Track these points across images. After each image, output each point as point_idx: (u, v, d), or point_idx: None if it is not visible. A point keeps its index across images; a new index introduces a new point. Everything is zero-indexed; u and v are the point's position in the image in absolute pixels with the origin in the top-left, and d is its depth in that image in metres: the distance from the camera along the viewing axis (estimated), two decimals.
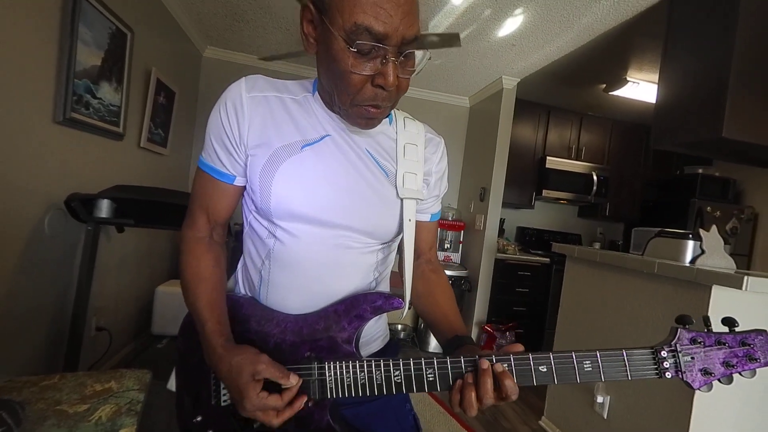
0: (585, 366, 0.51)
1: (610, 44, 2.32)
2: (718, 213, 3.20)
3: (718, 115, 1.42)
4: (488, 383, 0.50)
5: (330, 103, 0.61)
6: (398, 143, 0.66)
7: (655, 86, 1.76)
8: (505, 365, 0.51)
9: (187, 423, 0.66)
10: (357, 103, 0.55)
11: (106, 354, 1.93)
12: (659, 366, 0.50)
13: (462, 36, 2.36)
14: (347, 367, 0.56)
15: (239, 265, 0.71)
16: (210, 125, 0.62)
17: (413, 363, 0.54)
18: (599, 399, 1.66)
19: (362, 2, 0.48)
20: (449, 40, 2.08)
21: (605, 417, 1.64)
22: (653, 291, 1.50)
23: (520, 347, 0.53)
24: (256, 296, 0.66)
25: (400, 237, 0.68)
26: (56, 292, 1.60)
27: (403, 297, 0.64)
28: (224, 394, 0.62)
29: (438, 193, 0.73)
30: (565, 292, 2.02)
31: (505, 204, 3.15)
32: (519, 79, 2.93)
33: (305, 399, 0.55)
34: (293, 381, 0.53)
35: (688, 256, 1.55)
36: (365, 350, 0.69)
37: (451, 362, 0.54)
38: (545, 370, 0.52)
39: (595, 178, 3.40)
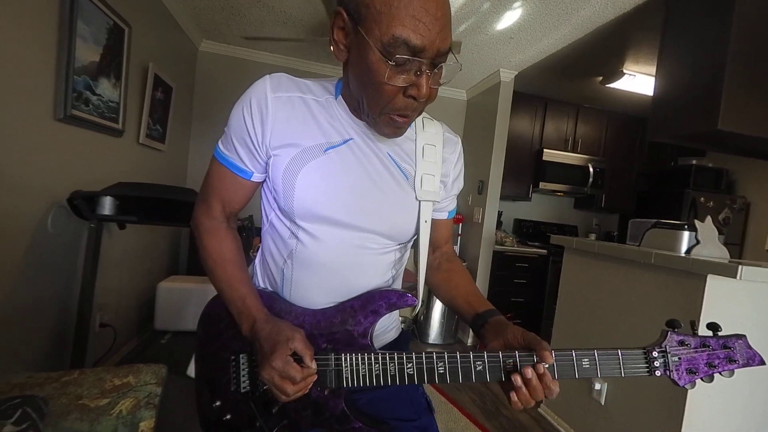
0: (583, 363, 0.55)
1: (607, 37, 2.33)
2: (711, 203, 3.25)
3: (714, 108, 1.45)
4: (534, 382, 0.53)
5: (356, 109, 0.62)
6: (417, 144, 0.67)
7: (652, 78, 1.78)
8: (510, 361, 0.56)
9: (206, 408, 0.68)
10: (386, 112, 0.56)
11: (111, 350, 1.94)
12: (650, 365, 0.55)
13: (460, 29, 2.36)
14: (362, 358, 0.59)
15: (257, 260, 0.73)
16: (232, 122, 0.62)
17: (425, 356, 0.58)
18: (597, 386, 1.71)
19: (401, 15, 0.48)
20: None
21: (603, 403, 1.69)
22: (650, 281, 1.53)
23: (548, 357, 0.55)
24: (278, 292, 0.67)
25: (415, 237, 0.69)
26: (60, 289, 1.61)
27: (416, 294, 0.66)
28: (244, 381, 0.64)
29: (455, 192, 0.75)
30: (563, 283, 2.06)
31: (503, 197, 3.18)
32: (516, 72, 2.94)
33: (314, 379, 0.56)
34: (313, 366, 0.56)
35: (684, 247, 1.59)
36: (381, 340, 0.72)
37: (460, 356, 0.57)
38: (546, 366, 0.55)
39: (591, 169, 3.43)
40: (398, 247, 0.68)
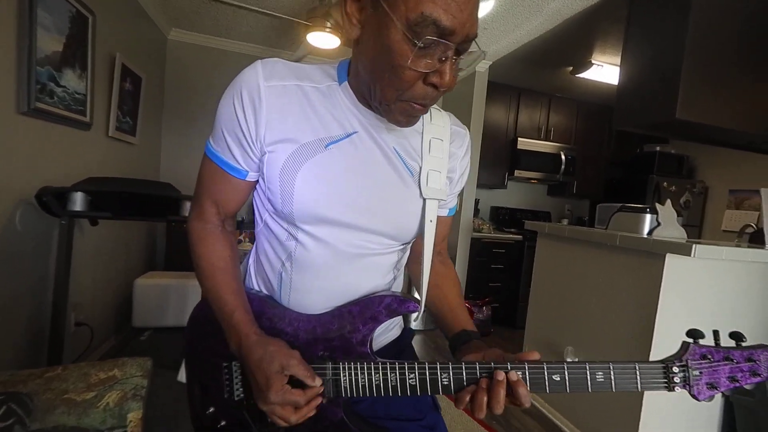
0: (597, 377, 0.52)
1: (576, 28, 2.41)
2: (673, 188, 3.44)
3: (672, 99, 1.54)
4: (501, 393, 0.50)
5: (365, 96, 0.55)
6: (424, 138, 0.62)
7: (618, 69, 1.86)
8: (519, 373, 0.52)
9: (199, 414, 0.66)
10: (403, 99, 0.50)
11: (89, 348, 1.91)
12: (669, 380, 0.52)
13: None
14: (362, 368, 0.55)
15: (250, 260, 0.69)
16: (222, 115, 0.56)
17: (428, 367, 0.54)
18: (569, 360, 1.81)
19: None
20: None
21: None
22: (616, 261, 1.63)
23: (536, 355, 0.53)
24: (275, 297, 0.63)
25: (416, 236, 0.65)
26: (32, 289, 1.56)
27: (417, 299, 0.63)
28: (237, 389, 0.62)
29: (459, 189, 0.71)
30: (536, 267, 2.16)
31: (480, 185, 3.26)
32: (491, 62, 3.00)
33: (321, 401, 0.55)
34: (317, 383, 0.53)
35: (646, 228, 1.69)
36: (381, 340, 0.68)
37: (466, 368, 0.54)
38: (558, 379, 0.52)
39: (563, 157, 3.55)
40: (401, 247, 0.64)
